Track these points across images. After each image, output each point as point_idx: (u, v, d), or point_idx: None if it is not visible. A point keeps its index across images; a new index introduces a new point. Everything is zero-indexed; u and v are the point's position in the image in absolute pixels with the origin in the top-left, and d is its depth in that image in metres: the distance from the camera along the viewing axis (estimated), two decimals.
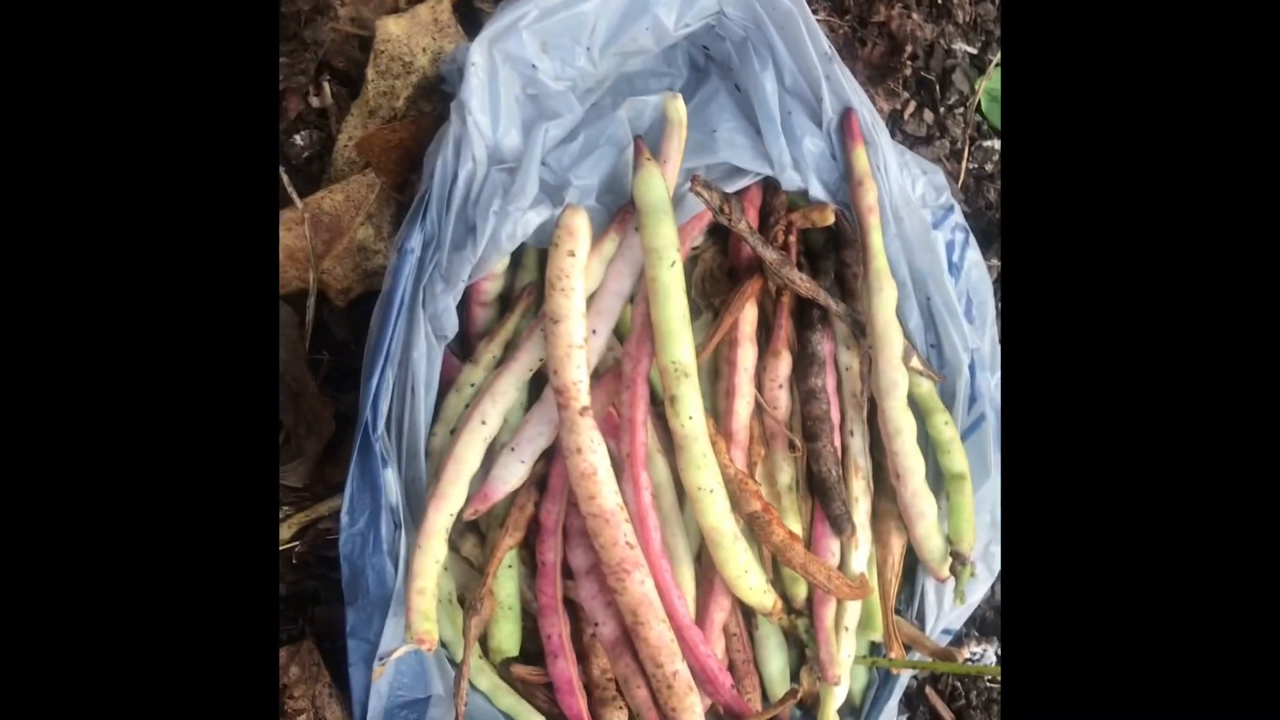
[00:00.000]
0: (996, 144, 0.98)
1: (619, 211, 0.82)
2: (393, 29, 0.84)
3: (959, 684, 1.00)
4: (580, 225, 0.77)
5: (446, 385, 0.84)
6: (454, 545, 0.85)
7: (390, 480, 0.78)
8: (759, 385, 0.86)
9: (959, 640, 0.99)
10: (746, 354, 0.84)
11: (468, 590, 0.85)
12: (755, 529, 0.81)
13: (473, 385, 0.83)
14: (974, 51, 0.97)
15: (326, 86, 0.87)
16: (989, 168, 0.98)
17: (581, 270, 0.77)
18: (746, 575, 0.81)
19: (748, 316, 0.85)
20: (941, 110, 0.97)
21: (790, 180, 0.83)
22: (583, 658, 0.83)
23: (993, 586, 0.96)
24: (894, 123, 0.96)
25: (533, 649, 0.85)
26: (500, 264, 0.81)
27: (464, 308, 0.84)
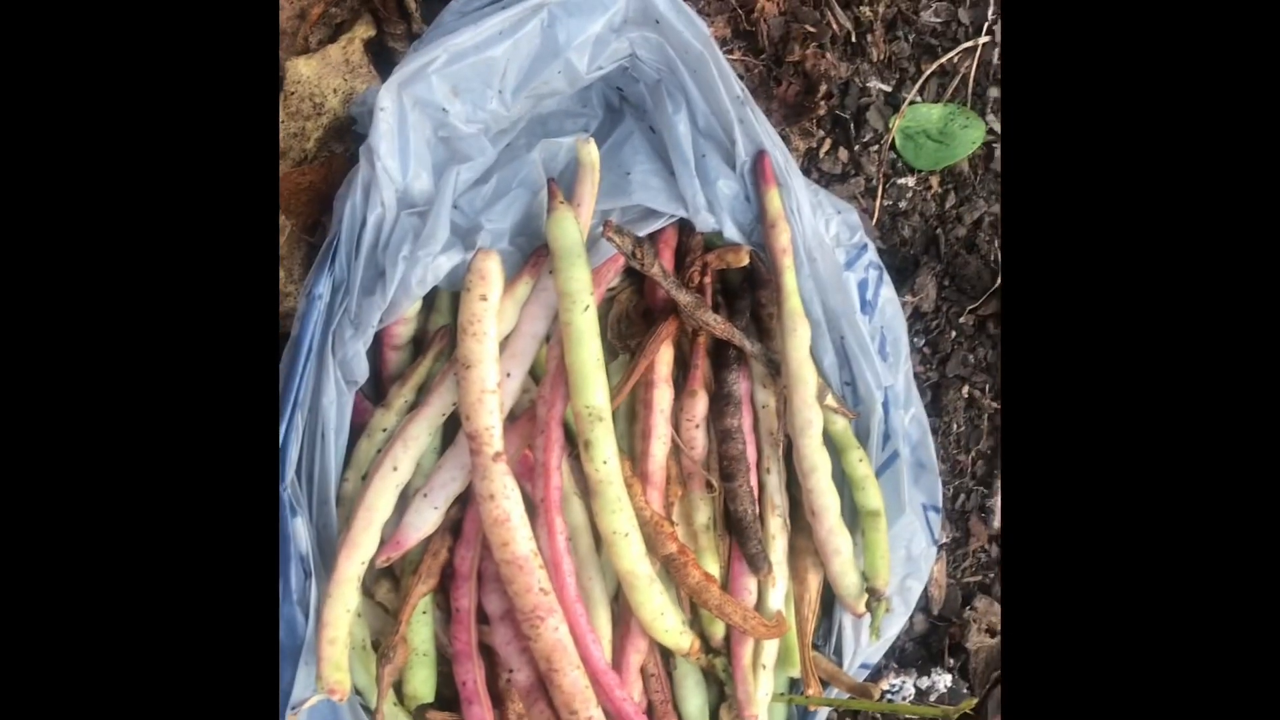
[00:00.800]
0: (911, 181, 0.99)
1: (533, 254, 0.82)
2: (303, 70, 0.83)
3: (877, 718, 1.01)
4: (492, 269, 0.77)
5: (358, 430, 0.83)
6: (368, 590, 0.84)
7: (300, 529, 0.77)
8: (675, 426, 0.86)
9: (877, 674, 1.00)
10: (663, 395, 0.85)
11: (382, 636, 0.84)
12: (671, 571, 0.81)
13: (385, 430, 0.82)
14: (888, 89, 0.99)
15: None
16: (903, 204, 0.99)
17: (494, 315, 0.77)
18: (663, 617, 0.81)
19: (663, 358, 0.85)
20: (856, 148, 0.98)
21: (705, 222, 0.84)
22: (498, 703, 0.82)
23: (911, 619, 0.97)
24: (809, 161, 0.97)
25: (448, 694, 0.84)
26: (412, 308, 0.81)
27: (376, 351, 0.83)
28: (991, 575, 1.02)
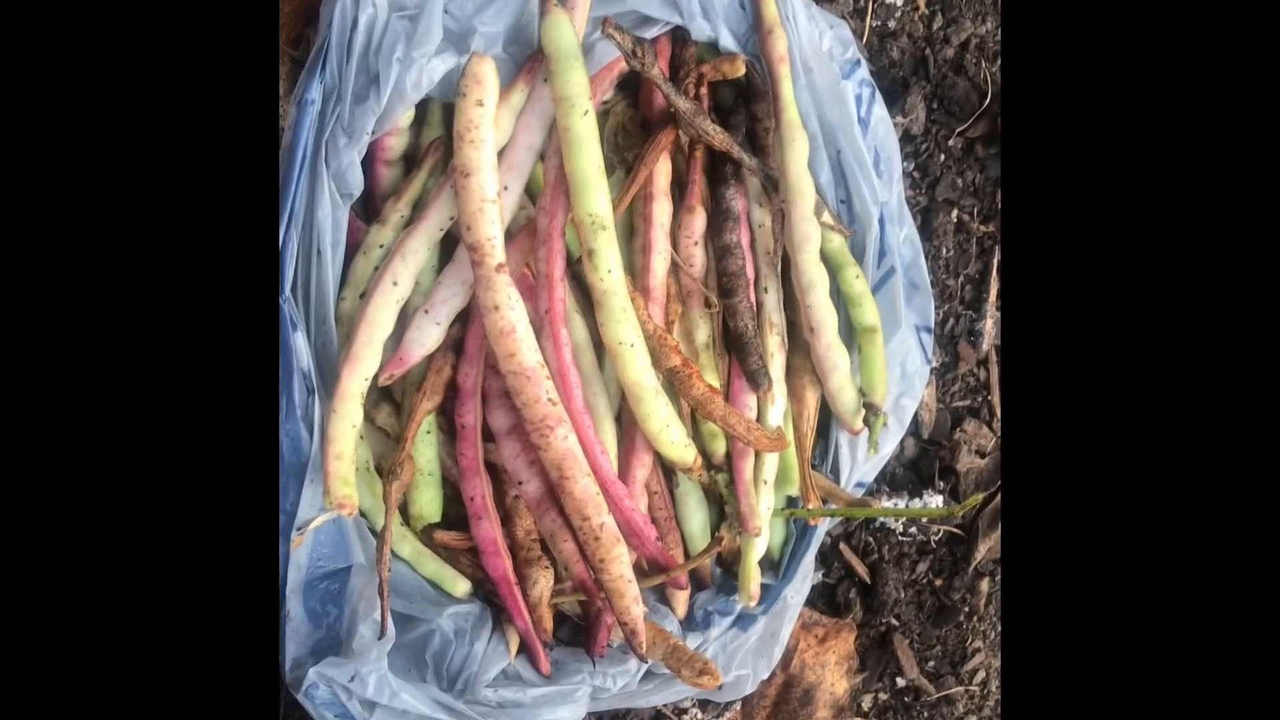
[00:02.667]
0: (899, 0, 0.98)
1: (526, 61, 0.79)
2: None
3: (871, 540, 1.03)
4: (488, 73, 0.74)
5: (352, 248, 0.81)
6: (369, 415, 0.82)
7: (300, 344, 0.75)
8: (674, 243, 0.85)
9: (871, 494, 1.01)
10: (662, 209, 0.83)
11: (384, 459, 0.83)
12: (675, 384, 0.81)
13: (381, 246, 0.80)
14: None
15: None
16: (891, 24, 0.98)
17: (491, 121, 0.75)
18: (668, 429, 0.81)
19: (662, 170, 0.84)
20: None
21: (700, 30, 0.82)
22: (505, 519, 0.82)
23: (901, 443, 0.98)
24: None
25: (453, 514, 0.84)
26: (405, 118, 0.78)
27: (368, 167, 0.81)
28: (980, 399, 1.03)
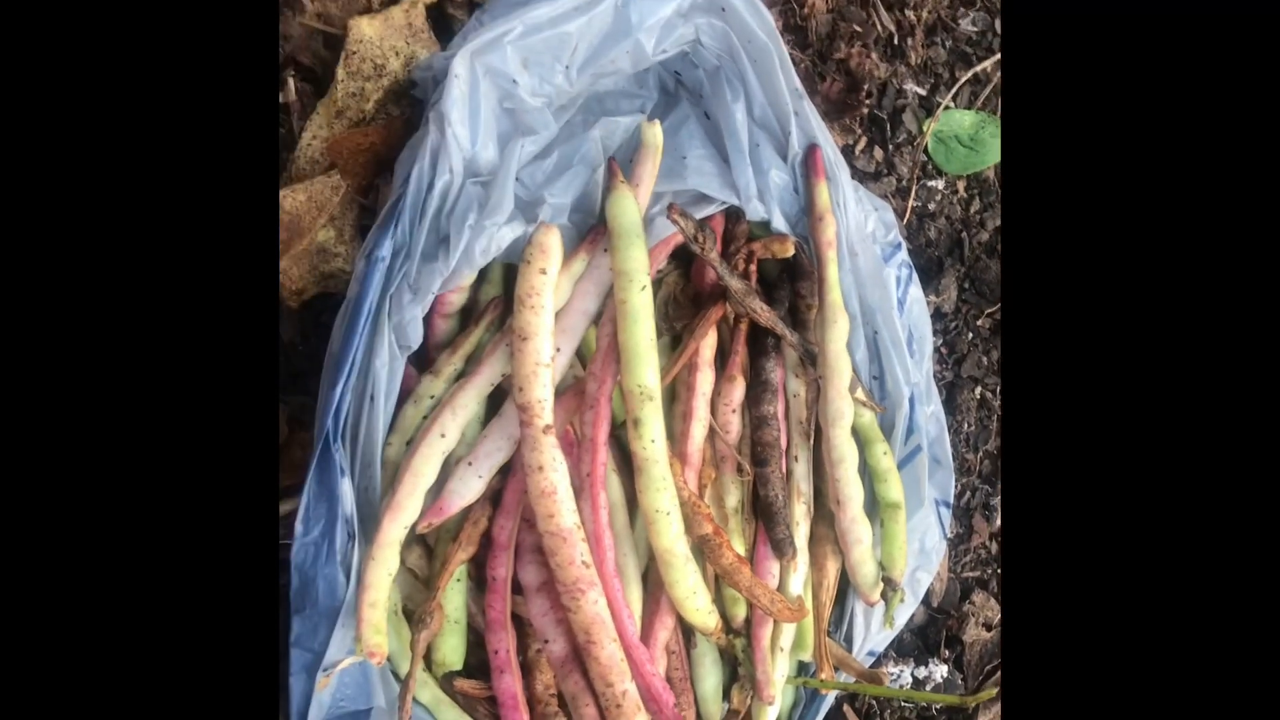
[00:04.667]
0: (940, 184, 1.02)
1: (589, 231, 0.82)
2: (366, 30, 0.82)
3: (873, 703, 1.04)
4: (554, 243, 0.77)
5: (403, 395, 0.83)
6: (401, 556, 0.83)
7: (347, 491, 0.77)
8: (713, 409, 0.87)
9: (879, 662, 1.02)
10: (705, 379, 0.86)
11: (411, 602, 0.84)
12: (705, 551, 0.83)
13: (432, 397, 0.82)
14: (923, 93, 1.01)
15: (291, 82, 0.85)
16: (931, 206, 1.02)
17: (552, 288, 0.77)
18: (695, 596, 0.82)
19: (708, 342, 0.86)
20: (891, 148, 1.00)
21: (755, 211, 0.85)
22: (526, 672, 0.83)
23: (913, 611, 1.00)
24: (846, 157, 0.99)
25: (474, 661, 0.85)
26: (469, 278, 0.81)
27: (425, 319, 0.83)
28: (990, 571, 1.05)
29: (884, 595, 0.91)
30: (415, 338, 0.78)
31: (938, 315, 1.02)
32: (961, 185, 1.02)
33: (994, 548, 1.05)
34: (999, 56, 1.02)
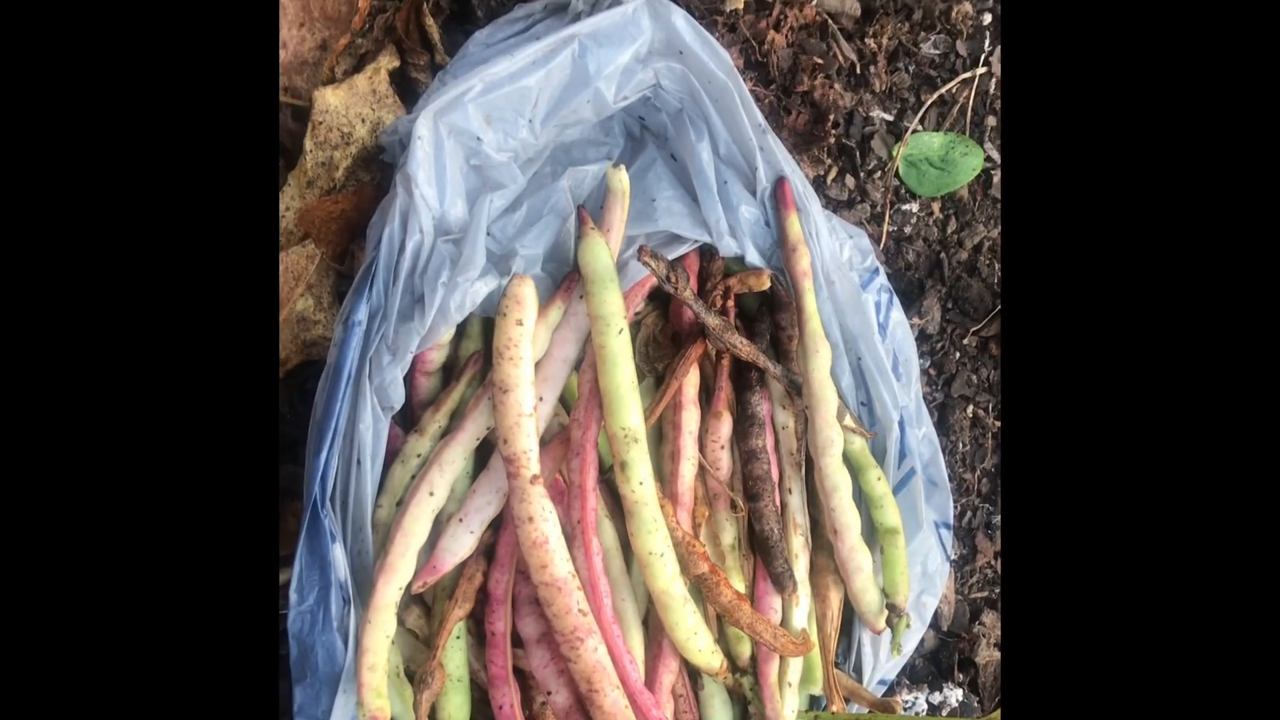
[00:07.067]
0: (914, 207, 1.02)
1: (564, 279, 0.83)
2: (331, 100, 0.84)
3: None
4: (528, 294, 0.78)
5: (390, 455, 0.83)
6: (399, 617, 0.83)
7: (339, 556, 0.77)
8: (701, 447, 0.87)
9: (892, 690, 1.01)
10: (690, 417, 0.86)
11: (413, 662, 0.84)
12: (703, 590, 0.83)
13: (419, 456, 0.83)
14: (890, 119, 1.02)
15: None
16: (907, 230, 1.02)
17: (530, 339, 0.78)
18: (696, 637, 0.82)
19: (691, 380, 0.86)
20: (862, 175, 1.01)
21: (728, 247, 0.86)
22: None
23: (921, 636, 0.99)
24: (817, 188, 1.00)
25: (480, 717, 0.84)
26: (447, 335, 0.81)
27: (407, 377, 0.84)
28: (999, 590, 1.04)
29: (889, 622, 0.90)
30: (397, 398, 0.79)
31: (923, 337, 1.02)
32: (936, 206, 1.03)
33: (1000, 566, 1.04)
34: (964, 77, 1.03)
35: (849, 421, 0.89)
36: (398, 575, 0.78)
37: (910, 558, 0.91)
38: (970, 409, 1.04)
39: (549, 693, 0.81)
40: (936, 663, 1.03)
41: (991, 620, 1.03)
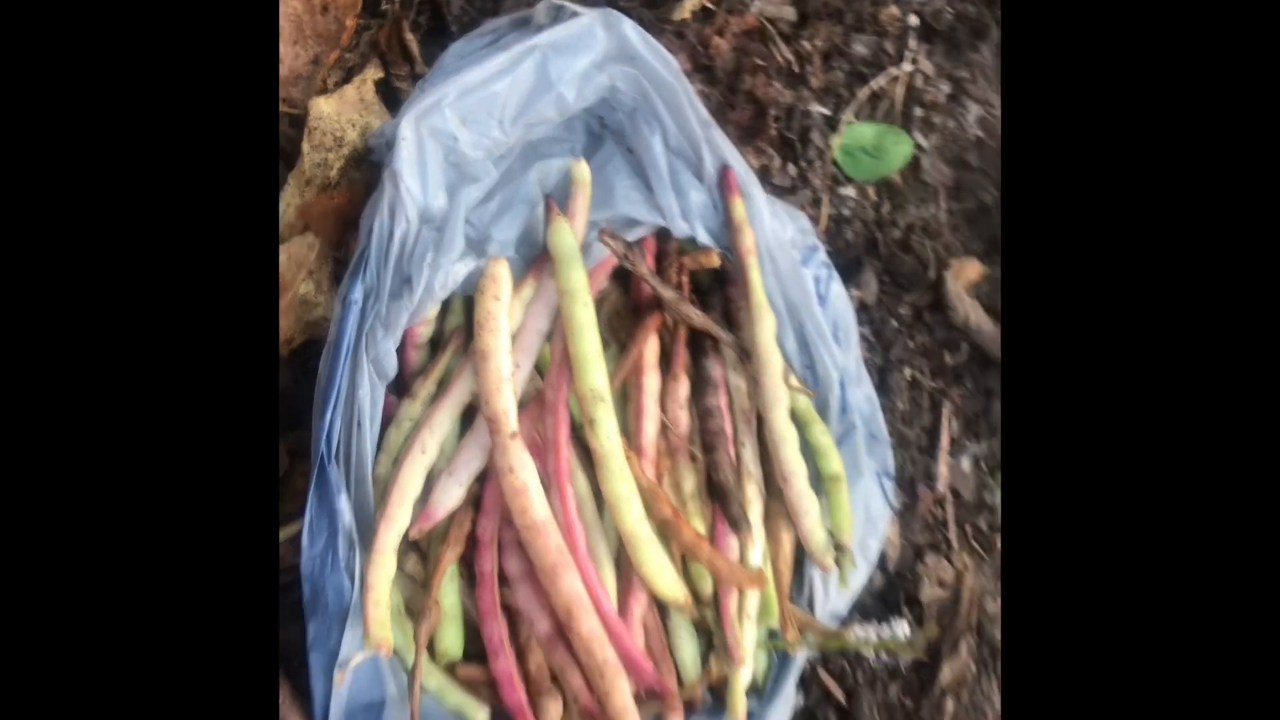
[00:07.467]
0: (851, 191, 1.14)
1: (535, 261, 0.94)
2: (324, 108, 0.95)
3: (846, 665, 1.13)
4: (503, 273, 0.89)
5: (386, 420, 0.94)
6: (399, 563, 0.94)
7: (344, 506, 0.88)
8: (662, 406, 0.98)
9: (844, 623, 1.12)
10: (651, 380, 0.97)
11: (413, 602, 0.94)
12: (667, 531, 0.93)
13: (411, 419, 0.93)
14: (827, 112, 1.13)
15: None
16: (845, 212, 1.14)
17: (506, 312, 0.89)
18: (662, 572, 0.93)
19: (650, 347, 0.97)
20: (802, 164, 1.12)
21: (680, 229, 0.97)
22: (520, 655, 0.93)
23: (870, 577, 1.10)
24: (762, 177, 1.11)
25: (474, 650, 0.95)
26: (433, 311, 0.92)
27: (400, 350, 0.94)
28: (939, 535, 1.15)
29: (836, 560, 1.01)
30: (391, 368, 0.89)
31: (862, 307, 1.13)
32: (871, 190, 1.14)
33: (940, 513, 1.16)
34: (892, 73, 1.14)
35: (794, 381, 1.00)
36: (396, 523, 0.89)
37: (854, 503, 1.01)
38: (908, 371, 1.15)
39: (533, 623, 0.92)
40: (885, 601, 1.14)
41: (934, 561, 1.14)
